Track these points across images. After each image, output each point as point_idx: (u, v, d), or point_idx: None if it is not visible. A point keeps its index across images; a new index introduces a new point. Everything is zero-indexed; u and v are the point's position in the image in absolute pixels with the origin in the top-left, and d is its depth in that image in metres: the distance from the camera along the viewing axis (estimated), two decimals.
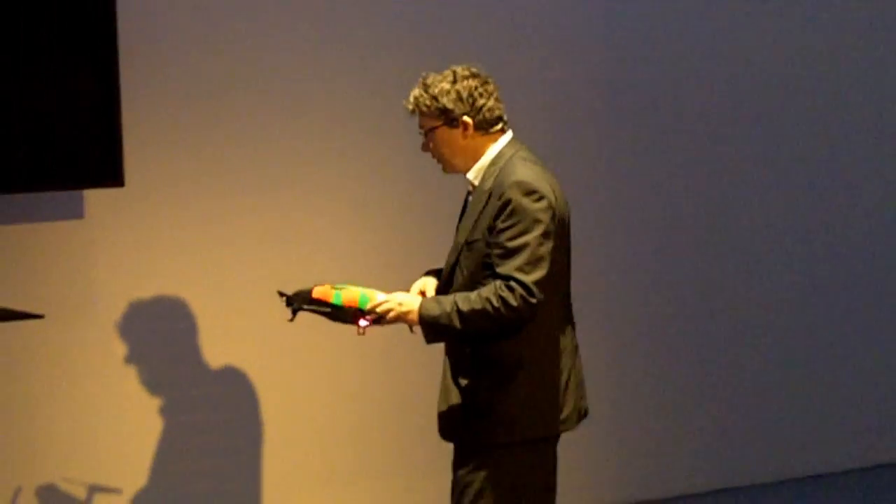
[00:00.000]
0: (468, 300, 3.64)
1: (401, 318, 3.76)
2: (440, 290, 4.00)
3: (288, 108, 5.87)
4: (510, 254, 3.65)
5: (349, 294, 3.78)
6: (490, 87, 3.85)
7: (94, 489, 5.62)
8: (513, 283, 3.61)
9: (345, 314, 3.82)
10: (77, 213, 5.46)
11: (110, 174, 5.22)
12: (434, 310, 3.70)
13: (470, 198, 4.01)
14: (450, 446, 4.12)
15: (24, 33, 5.22)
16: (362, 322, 3.78)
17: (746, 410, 7.26)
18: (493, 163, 3.84)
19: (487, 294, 3.62)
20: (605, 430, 6.71)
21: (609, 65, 6.65)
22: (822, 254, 7.45)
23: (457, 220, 4.16)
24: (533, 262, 3.64)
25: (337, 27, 5.93)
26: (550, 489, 4.01)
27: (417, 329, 3.89)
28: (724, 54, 7.03)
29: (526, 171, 3.75)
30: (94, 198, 5.44)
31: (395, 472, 6.07)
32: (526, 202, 3.66)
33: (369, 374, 5.79)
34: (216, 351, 5.70)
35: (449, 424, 3.92)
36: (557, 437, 3.95)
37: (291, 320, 3.99)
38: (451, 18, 6.19)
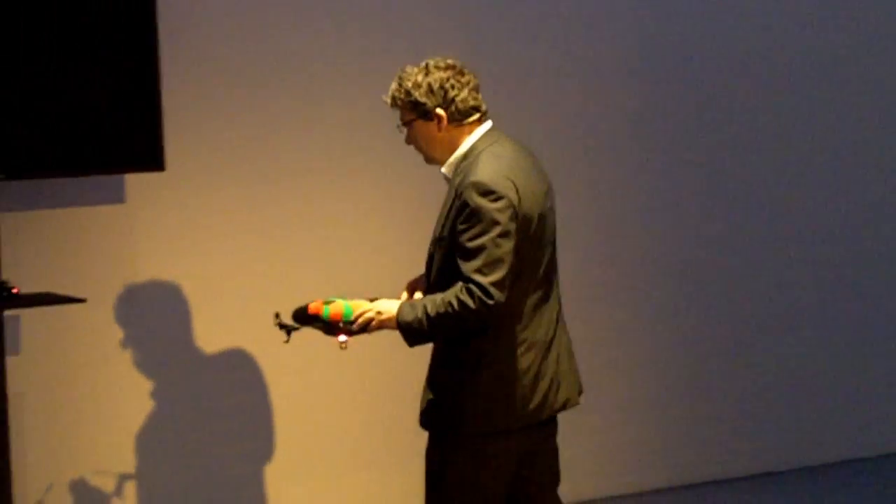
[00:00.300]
0: (434, 303, 3.69)
1: (383, 325, 3.81)
2: (425, 285, 4.07)
3: (323, 98, 5.88)
4: (469, 255, 3.65)
5: (335, 308, 3.84)
6: (465, 79, 3.83)
7: (126, 471, 5.59)
8: (471, 286, 3.63)
9: (333, 328, 3.90)
10: (118, 197, 5.53)
11: (151, 159, 5.29)
12: (408, 315, 3.74)
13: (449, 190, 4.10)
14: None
15: (68, 24, 5.25)
16: (341, 337, 3.84)
17: (749, 402, 7.24)
18: (465, 156, 3.84)
19: (450, 297, 3.66)
20: (613, 419, 6.76)
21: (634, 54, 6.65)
22: (824, 243, 7.39)
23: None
24: (490, 264, 3.63)
25: (370, 18, 5.92)
26: (520, 478, 3.98)
27: None
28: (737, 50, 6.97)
29: (487, 169, 3.72)
30: (135, 182, 5.52)
31: (391, 461, 6.01)
32: (483, 203, 3.64)
33: (372, 370, 5.81)
34: (251, 334, 5.67)
35: (423, 414, 3.98)
36: (525, 428, 3.93)
37: (286, 342, 4.03)
38: (475, 8, 6.23)
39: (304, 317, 4.00)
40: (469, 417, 3.84)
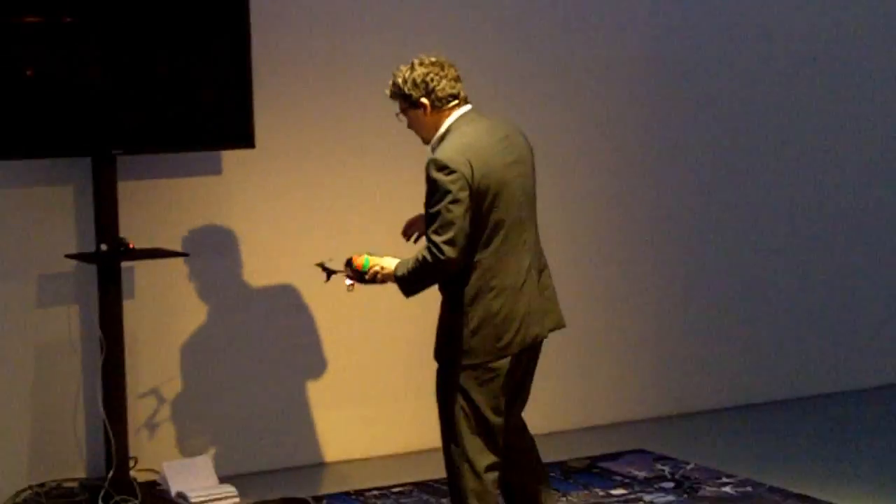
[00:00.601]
0: (411, 261, 4.27)
1: (385, 278, 4.40)
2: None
3: (380, 88, 6.28)
4: (429, 220, 4.22)
5: (360, 260, 4.44)
6: (444, 71, 4.31)
7: (214, 393, 6.02)
8: (430, 245, 4.19)
9: (358, 275, 4.48)
10: (216, 170, 5.99)
11: (244, 138, 5.73)
12: (400, 269, 4.33)
13: None
14: None
15: (174, 27, 5.63)
16: (347, 281, 4.46)
17: (735, 338, 7.40)
18: (442, 137, 4.35)
19: (418, 255, 4.24)
20: (604, 353, 7.00)
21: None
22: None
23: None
24: (443, 227, 4.15)
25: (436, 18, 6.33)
26: (510, 395, 4.46)
27: None
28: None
29: (447, 148, 4.23)
30: (230, 158, 5.97)
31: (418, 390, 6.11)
32: (438, 176, 4.16)
33: (400, 318, 5.97)
34: (318, 285, 5.69)
35: (435, 350, 4.50)
36: (503, 358, 4.37)
37: (326, 281, 4.66)
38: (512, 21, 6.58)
39: (348, 264, 4.53)
40: (459, 352, 4.35)
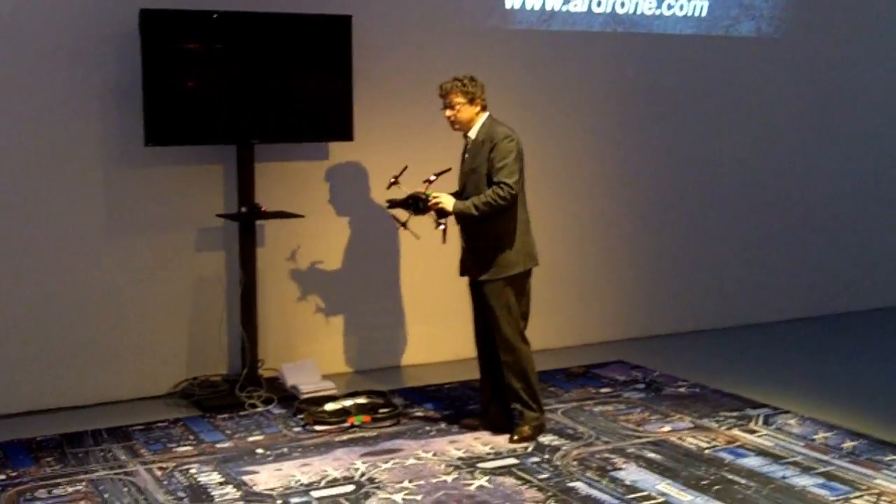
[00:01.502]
0: (479, 199, 5.16)
1: (443, 208, 5.30)
2: (457, 196, 5.39)
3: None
4: (500, 169, 5.19)
5: (419, 192, 5.33)
6: (482, 87, 5.35)
7: (324, 316, 6.65)
8: (502, 184, 5.16)
9: (418, 201, 5.32)
10: (324, 156, 6.58)
11: (345, 132, 6.29)
12: (462, 206, 5.23)
13: (468, 145, 5.40)
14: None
15: (293, 45, 6.10)
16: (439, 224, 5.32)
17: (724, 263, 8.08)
18: (481, 126, 5.31)
19: (490, 193, 5.15)
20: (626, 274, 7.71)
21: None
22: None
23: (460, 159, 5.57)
24: (511, 174, 5.19)
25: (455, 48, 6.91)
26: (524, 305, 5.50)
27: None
28: None
29: (502, 129, 5.26)
30: (335, 147, 6.54)
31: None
32: (506, 144, 5.23)
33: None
34: (394, 234, 6.64)
35: (479, 270, 5.33)
36: (529, 272, 5.41)
37: (389, 207, 5.52)
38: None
39: (412, 195, 5.41)
40: (507, 267, 5.31)
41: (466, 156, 5.43)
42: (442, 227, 5.38)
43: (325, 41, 6.18)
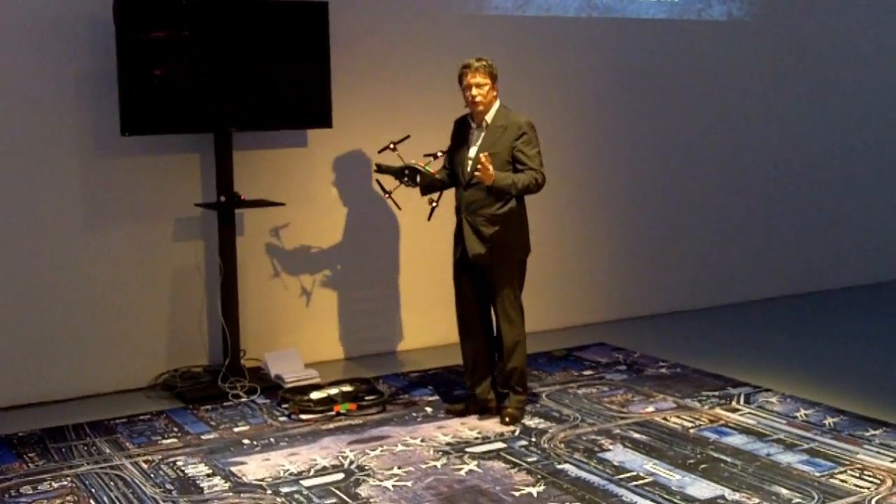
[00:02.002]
0: (521, 178, 5.16)
1: (484, 174, 5.18)
2: (454, 178, 5.40)
3: (435, 84, 6.68)
4: (534, 158, 5.22)
5: (418, 164, 5.33)
6: None
7: (307, 302, 6.59)
8: (537, 170, 5.20)
9: (416, 173, 5.30)
10: (303, 143, 6.50)
11: (324, 120, 6.22)
12: (504, 180, 5.18)
13: (478, 130, 5.33)
14: None
15: (272, 35, 6.01)
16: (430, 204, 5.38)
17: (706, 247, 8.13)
18: (497, 112, 5.29)
19: (531, 176, 5.17)
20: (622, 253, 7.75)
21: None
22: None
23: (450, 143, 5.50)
24: (540, 162, 5.23)
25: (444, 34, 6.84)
26: None
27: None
28: None
29: (523, 116, 5.27)
30: (313, 135, 6.47)
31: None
32: (531, 131, 5.26)
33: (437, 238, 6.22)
34: (385, 220, 6.69)
35: (492, 254, 5.29)
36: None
37: (376, 171, 5.47)
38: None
39: (406, 165, 5.37)
40: (521, 250, 5.38)
41: (481, 140, 5.33)
42: (434, 204, 5.38)
43: (302, 28, 6.10)
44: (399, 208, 5.57)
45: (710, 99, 7.97)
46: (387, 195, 5.51)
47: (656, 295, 7.88)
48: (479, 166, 5.19)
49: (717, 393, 5.90)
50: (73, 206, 5.91)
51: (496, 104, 5.36)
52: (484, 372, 5.60)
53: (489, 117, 5.34)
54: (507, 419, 5.44)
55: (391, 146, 5.50)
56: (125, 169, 6.00)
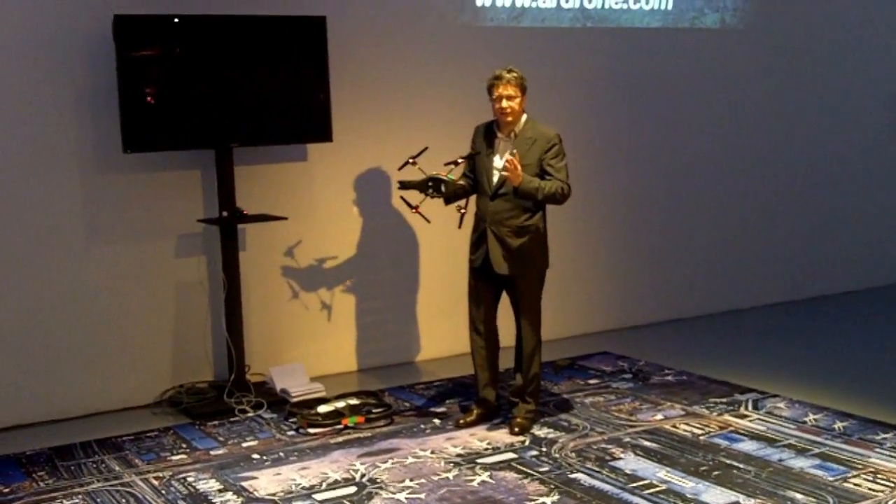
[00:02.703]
0: (546, 185, 5.15)
1: (512, 174, 5.16)
2: (479, 189, 5.44)
3: (433, 95, 6.76)
4: (562, 170, 5.22)
5: (440, 174, 5.26)
6: None
7: (320, 315, 6.57)
8: (566, 184, 5.20)
9: (440, 183, 5.25)
10: (303, 157, 6.47)
11: (324, 134, 6.18)
12: (531, 184, 5.17)
13: (506, 141, 5.31)
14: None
15: (272, 51, 6.01)
16: (459, 209, 5.29)
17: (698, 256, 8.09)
18: (525, 123, 5.27)
19: (556, 184, 5.16)
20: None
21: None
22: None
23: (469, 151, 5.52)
24: (567, 175, 5.23)
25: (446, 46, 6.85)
26: None
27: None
28: None
29: (551, 128, 5.27)
30: (313, 149, 6.45)
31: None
32: (560, 144, 5.26)
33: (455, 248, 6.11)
34: (390, 234, 6.69)
35: (515, 265, 5.30)
36: None
37: (400, 188, 5.41)
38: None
39: (430, 177, 5.33)
40: (543, 262, 5.38)
41: (511, 152, 5.28)
42: (463, 211, 5.35)
43: (301, 43, 6.08)
44: (428, 221, 5.52)
45: (706, 106, 7.96)
46: (414, 210, 5.43)
47: (658, 303, 7.86)
48: (506, 165, 5.16)
49: (724, 399, 5.88)
50: (75, 223, 5.86)
51: (524, 115, 5.35)
52: (492, 376, 5.62)
53: (518, 128, 5.34)
54: (516, 429, 5.41)
55: (411, 161, 5.42)
56: (127, 185, 5.96)
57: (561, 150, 5.30)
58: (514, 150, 5.22)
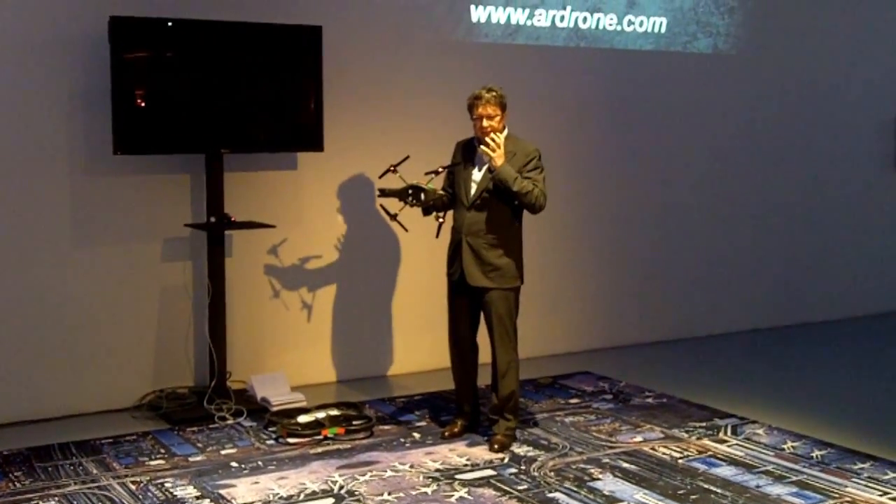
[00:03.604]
0: (529, 182, 5.18)
1: (494, 159, 5.24)
2: (456, 200, 5.46)
3: (425, 109, 6.80)
4: (539, 182, 5.23)
5: (420, 183, 5.30)
6: None
7: (302, 320, 6.56)
8: (542, 193, 5.21)
9: (420, 191, 5.29)
10: (293, 166, 6.48)
11: (315, 143, 6.19)
12: (506, 172, 5.20)
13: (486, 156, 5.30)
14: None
15: (265, 60, 6.02)
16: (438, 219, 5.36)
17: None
18: (506, 138, 5.28)
19: (537, 190, 5.19)
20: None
21: None
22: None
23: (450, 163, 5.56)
24: (545, 187, 5.25)
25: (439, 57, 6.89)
26: None
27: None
28: None
29: (530, 143, 5.32)
30: (304, 158, 6.46)
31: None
32: (538, 157, 5.29)
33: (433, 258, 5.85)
34: (378, 242, 6.69)
35: (488, 278, 5.33)
36: None
37: (380, 196, 5.46)
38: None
39: (410, 185, 5.38)
40: (515, 277, 5.37)
41: (488, 166, 5.34)
42: (441, 220, 5.40)
43: (296, 51, 6.11)
44: (406, 230, 5.58)
45: (697, 130, 8.00)
46: (392, 218, 5.47)
47: (641, 324, 7.87)
48: (489, 142, 5.22)
49: (703, 424, 5.89)
50: (62, 224, 5.86)
51: (506, 131, 5.38)
52: (471, 389, 5.68)
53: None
54: (496, 446, 5.41)
55: (392, 168, 5.48)
56: (115, 188, 5.96)
57: (539, 164, 5.35)
58: (431, 184, 5.30)
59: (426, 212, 5.48)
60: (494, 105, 5.29)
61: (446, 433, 5.63)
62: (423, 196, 5.32)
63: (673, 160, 7.93)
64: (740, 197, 8.26)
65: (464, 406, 5.68)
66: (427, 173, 5.37)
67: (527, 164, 5.30)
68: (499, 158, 5.23)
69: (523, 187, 5.23)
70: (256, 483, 4.89)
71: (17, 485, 4.84)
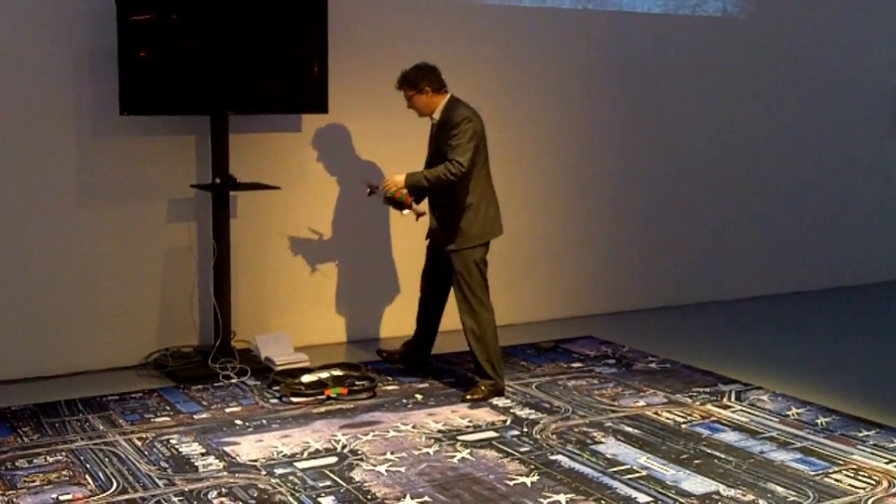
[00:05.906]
0: (431, 173, 5.43)
1: (391, 187, 5.59)
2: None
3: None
4: (453, 148, 5.40)
5: (395, 197, 5.57)
6: (436, 71, 5.56)
7: (298, 285, 6.63)
8: (454, 161, 5.38)
9: (394, 203, 5.61)
10: (297, 128, 6.52)
11: (320, 105, 6.22)
12: (411, 179, 5.48)
13: (433, 127, 5.62)
14: None
15: (271, 20, 6.03)
16: (404, 210, 5.63)
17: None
18: (444, 108, 5.50)
19: (441, 168, 5.39)
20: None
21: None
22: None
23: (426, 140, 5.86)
24: (463, 153, 5.38)
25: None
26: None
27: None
28: None
29: (463, 111, 5.45)
30: (308, 119, 6.48)
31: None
32: (462, 124, 5.42)
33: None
34: (371, 209, 6.52)
35: (446, 240, 5.59)
36: (488, 243, 5.64)
37: (368, 196, 5.86)
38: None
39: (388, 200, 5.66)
40: (471, 237, 5.55)
41: (433, 136, 5.71)
42: (422, 215, 5.74)
43: (301, 13, 6.11)
44: (421, 214, 5.77)
45: (704, 94, 7.99)
46: (405, 211, 5.74)
47: (645, 290, 7.90)
48: (383, 185, 5.64)
49: (707, 389, 5.93)
50: (68, 185, 5.91)
51: (442, 101, 5.64)
52: (420, 334, 6.20)
53: (436, 115, 5.66)
54: (468, 395, 5.69)
55: (369, 190, 5.88)
56: (121, 148, 6.00)
57: (462, 128, 5.50)
58: (402, 195, 5.60)
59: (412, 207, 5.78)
60: (404, 87, 5.62)
61: (383, 352, 6.39)
62: (399, 204, 5.66)
63: (679, 124, 7.92)
64: (746, 161, 8.26)
65: (407, 343, 6.23)
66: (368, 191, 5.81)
67: (451, 130, 5.52)
68: (393, 185, 5.56)
69: (431, 178, 5.51)
70: (260, 441, 4.97)
71: (26, 440, 4.93)
